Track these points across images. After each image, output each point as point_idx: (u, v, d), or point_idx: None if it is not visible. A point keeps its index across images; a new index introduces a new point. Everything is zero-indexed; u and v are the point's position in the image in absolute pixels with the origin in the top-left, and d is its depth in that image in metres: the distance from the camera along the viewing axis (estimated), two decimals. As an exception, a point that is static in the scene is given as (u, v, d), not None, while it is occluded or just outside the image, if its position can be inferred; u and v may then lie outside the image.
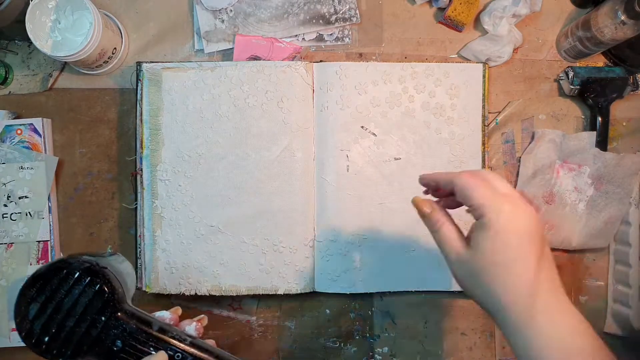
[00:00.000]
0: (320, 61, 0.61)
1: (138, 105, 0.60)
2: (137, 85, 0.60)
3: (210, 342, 0.43)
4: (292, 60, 0.62)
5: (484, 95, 0.62)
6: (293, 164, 0.60)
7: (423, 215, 0.44)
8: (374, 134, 0.61)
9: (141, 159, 0.60)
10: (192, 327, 0.44)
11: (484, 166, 0.62)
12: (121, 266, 0.43)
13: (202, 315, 0.48)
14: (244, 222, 0.60)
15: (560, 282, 0.39)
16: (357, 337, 0.64)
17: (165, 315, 0.43)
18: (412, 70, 0.61)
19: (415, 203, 0.44)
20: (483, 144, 0.62)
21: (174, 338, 0.40)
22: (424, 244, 0.61)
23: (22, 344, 0.60)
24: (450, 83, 0.61)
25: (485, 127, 0.62)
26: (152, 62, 0.60)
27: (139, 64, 0.60)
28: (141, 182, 0.60)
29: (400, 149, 0.61)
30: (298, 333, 0.63)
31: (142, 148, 0.60)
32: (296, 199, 0.60)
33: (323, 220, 0.61)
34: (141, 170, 0.60)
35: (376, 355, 0.64)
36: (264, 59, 0.62)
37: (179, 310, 0.48)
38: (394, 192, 0.61)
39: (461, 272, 0.41)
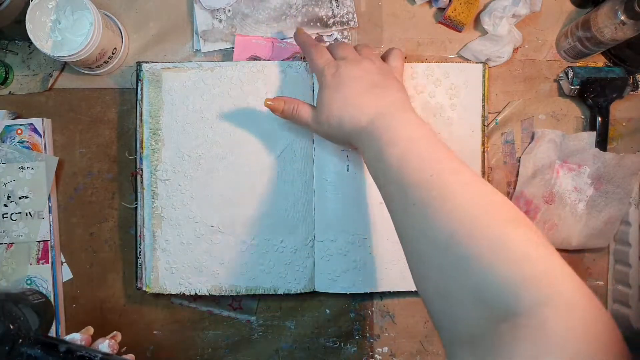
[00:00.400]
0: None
1: (138, 105, 0.60)
2: (137, 85, 0.60)
3: (129, 357, 0.44)
4: (292, 60, 0.62)
5: (483, 95, 0.62)
6: (293, 164, 0.60)
7: (280, 111, 0.54)
8: None
9: (141, 159, 0.60)
10: (105, 344, 0.45)
11: (483, 166, 0.62)
12: (29, 298, 0.45)
13: (115, 332, 0.50)
14: (244, 222, 0.60)
15: (410, 106, 0.49)
16: (357, 337, 0.64)
17: (76, 337, 0.44)
18: (411, 71, 0.61)
19: (268, 105, 0.53)
20: (483, 144, 0.62)
21: (83, 357, 0.41)
22: None
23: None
24: (450, 83, 0.61)
25: (485, 127, 0.62)
26: (152, 62, 0.60)
27: (139, 64, 0.60)
28: (141, 182, 0.60)
29: None
30: (298, 333, 0.64)
31: (142, 148, 0.60)
32: (296, 199, 0.60)
33: (323, 220, 0.61)
34: (141, 170, 0.60)
35: (376, 355, 0.64)
36: (264, 59, 0.62)
37: (90, 329, 0.50)
38: None
39: (318, 127, 0.52)
